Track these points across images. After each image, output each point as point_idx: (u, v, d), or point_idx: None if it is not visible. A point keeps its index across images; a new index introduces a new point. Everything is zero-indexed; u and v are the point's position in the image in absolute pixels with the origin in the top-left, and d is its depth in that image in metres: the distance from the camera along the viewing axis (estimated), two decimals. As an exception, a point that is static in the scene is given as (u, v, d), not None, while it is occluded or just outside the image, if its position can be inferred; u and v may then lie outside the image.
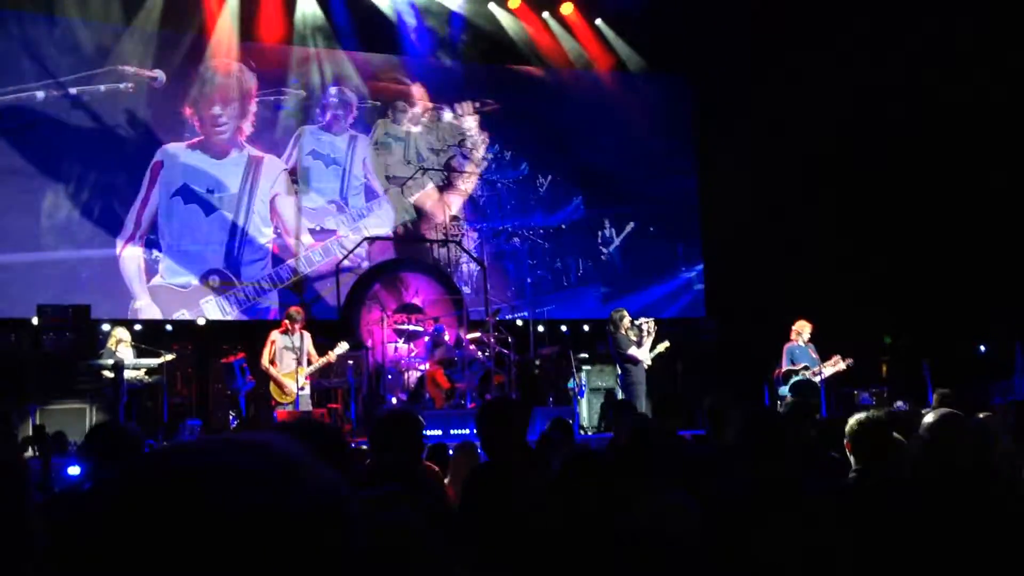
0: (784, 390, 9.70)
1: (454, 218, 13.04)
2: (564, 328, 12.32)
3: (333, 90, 12.77)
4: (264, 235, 12.20)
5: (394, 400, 10.26)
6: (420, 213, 13.06)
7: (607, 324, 10.25)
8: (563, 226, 13.57)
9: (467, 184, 13.25)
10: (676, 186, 14.08)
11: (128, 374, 8.92)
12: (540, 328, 11.39)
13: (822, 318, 10.28)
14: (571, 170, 13.63)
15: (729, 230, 13.09)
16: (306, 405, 8.80)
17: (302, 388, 8.54)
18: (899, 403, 9.86)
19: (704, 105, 13.98)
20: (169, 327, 11.58)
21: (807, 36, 12.00)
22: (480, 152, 13.24)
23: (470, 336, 10.91)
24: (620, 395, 10.22)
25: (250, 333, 11.10)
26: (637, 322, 9.85)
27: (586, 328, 12.83)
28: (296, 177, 12.44)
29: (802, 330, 9.88)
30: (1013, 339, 10.87)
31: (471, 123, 13.30)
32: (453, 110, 13.23)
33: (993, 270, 11.62)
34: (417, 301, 12.21)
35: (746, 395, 10.83)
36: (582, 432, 10.26)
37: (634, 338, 9.89)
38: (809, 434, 4.31)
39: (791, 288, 11.86)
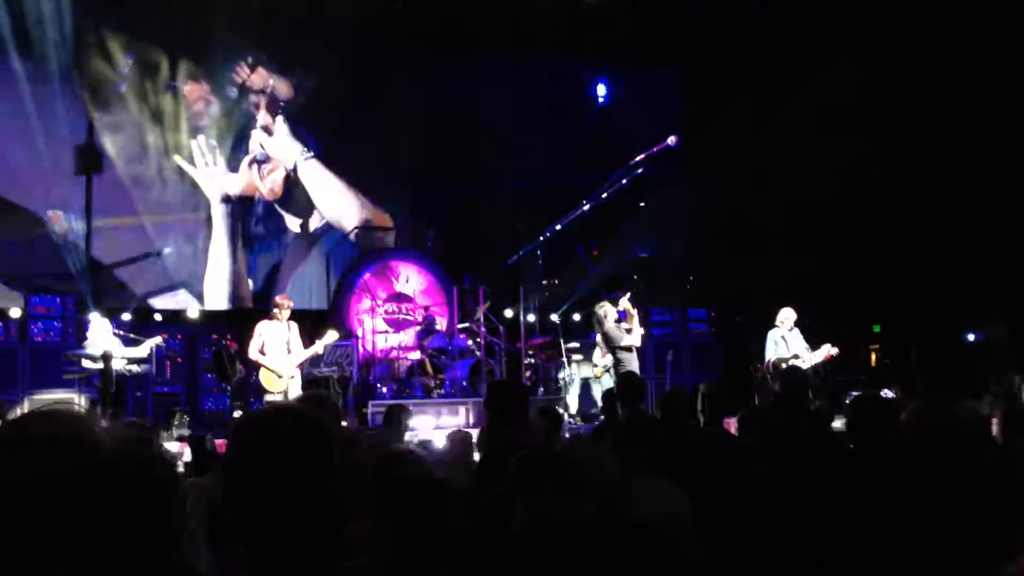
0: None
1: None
2: (554, 317, 12.30)
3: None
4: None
5: (384, 389, 10.25)
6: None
7: (592, 319, 10.19)
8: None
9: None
10: (664, 173, 14.03)
11: (116, 364, 8.86)
12: (531, 318, 11.37)
13: (812, 306, 10.31)
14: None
15: (716, 218, 13.10)
16: (296, 394, 8.76)
17: (292, 377, 8.50)
18: (886, 391, 9.90)
19: (693, 93, 13.95)
20: (158, 316, 11.53)
21: (802, 28, 12.01)
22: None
23: (461, 326, 10.90)
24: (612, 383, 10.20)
25: (240, 323, 11.07)
26: (617, 308, 9.72)
27: (576, 317, 12.83)
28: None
29: (786, 318, 9.89)
30: (1012, 325, 10.91)
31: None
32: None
33: (986, 258, 11.67)
34: (408, 290, 12.19)
35: (737, 384, 10.89)
36: (572, 422, 10.25)
37: (625, 326, 9.83)
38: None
39: (780, 276, 11.88)
